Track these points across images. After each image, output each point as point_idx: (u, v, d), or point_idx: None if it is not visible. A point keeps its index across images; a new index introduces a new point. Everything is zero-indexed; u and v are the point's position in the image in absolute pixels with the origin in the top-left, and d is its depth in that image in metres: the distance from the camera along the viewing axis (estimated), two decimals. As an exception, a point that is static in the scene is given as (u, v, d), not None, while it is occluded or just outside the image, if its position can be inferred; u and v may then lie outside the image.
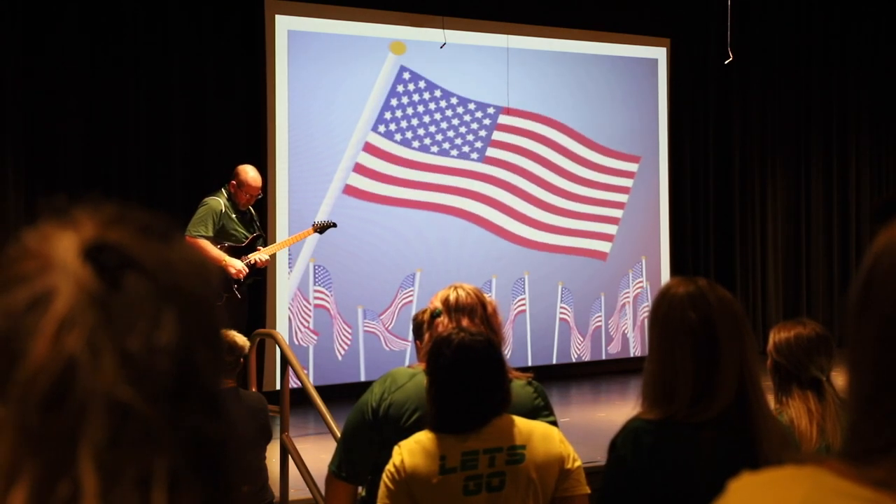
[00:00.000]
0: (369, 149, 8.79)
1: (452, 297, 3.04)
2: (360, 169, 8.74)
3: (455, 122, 9.22)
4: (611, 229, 10.08)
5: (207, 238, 6.87)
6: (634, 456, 2.35)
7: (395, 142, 8.91)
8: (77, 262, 0.72)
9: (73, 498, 0.67)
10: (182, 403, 0.71)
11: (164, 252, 0.75)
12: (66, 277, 0.71)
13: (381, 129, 8.85)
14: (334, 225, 7.59)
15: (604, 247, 10.03)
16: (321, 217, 8.38)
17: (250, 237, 7.10)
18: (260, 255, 7.09)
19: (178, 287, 0.74)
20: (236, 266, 6.89)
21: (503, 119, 9.42)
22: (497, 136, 9.42)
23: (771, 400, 3.07)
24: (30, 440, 0.68)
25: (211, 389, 0.74)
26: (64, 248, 0.72)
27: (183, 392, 0.72)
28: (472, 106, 9.30)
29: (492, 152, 9.40)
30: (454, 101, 9.22)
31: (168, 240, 0.76)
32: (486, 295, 3.14)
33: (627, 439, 2.38)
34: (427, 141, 9.08)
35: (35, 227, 0.75)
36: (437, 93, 9.13)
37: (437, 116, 9.13)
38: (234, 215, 7.03)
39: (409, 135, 8.99)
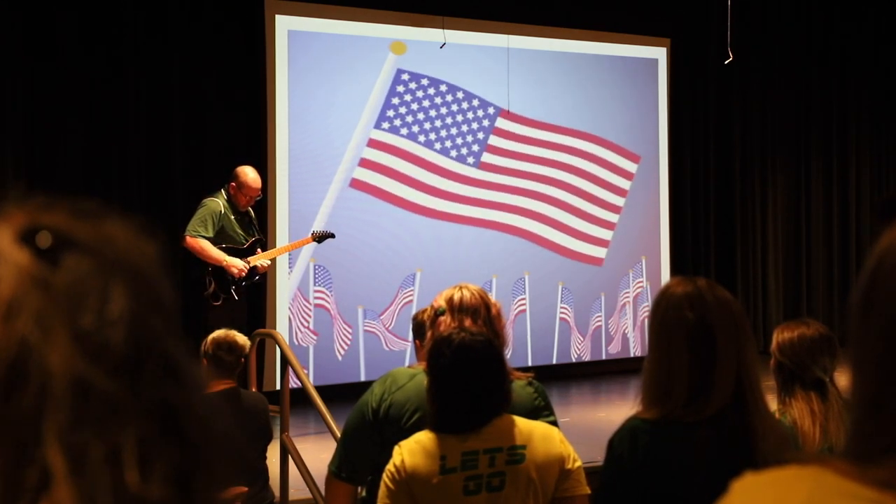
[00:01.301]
0: (372, 145, 8.78)
1: (457, 297, 3.04)
2: (366, 163, 8.73)
3: (459, 118, 9.22)
4: (610, 230, 10.07)
5: (207, 239, 6.87)
6: (631, 455, 2.36)
7: (402, 136, 8.92)
8: (12, 247, 0.71)
9: (43, 483, 0.66)
10: (142, 373, 0.71)
11: (100, 230, 0.74)
12: (4, 264, 0.70)
13: (384, 126, 8.84)
14: (332, 236, 7.59)
15: (600, 252, 10.02)
16: (321, 221, 8.39)
17: (250, 240, 7.09)
18: (263, 261, 7.10)
19: (120, 260, 0.73)
20: (238, 266, 6.89)
21: (501, 122, 9.41)
22: (496, 136, 9.41)
23: (774, 400, 3.07)
24: None
25: (169, 356, 0.73)
26: None
27: (141, 362, 0.71)
28: (475, 102, 9.30)
29: (492, 152, 9.40)
30: (460, 95, 9.22)
31: (101, 219, 0.75)
32: (491, 297, 3.14)
33: (624, 438, 2.39)
34: (432, 136, 9.08)
35: None
36: (443, 87, 9.13)
37: (444, 111, 9.13)
38: (233, 217, 7.02)
39: (415, 129, 8.98)
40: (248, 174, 7.05)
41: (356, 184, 8.71)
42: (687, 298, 2.38)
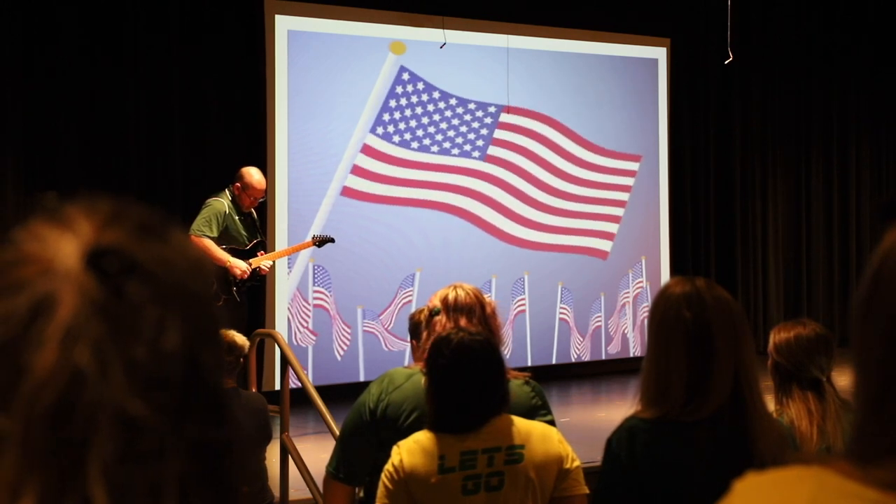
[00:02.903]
0: (368, 150, 8.78)
1: (451, 297, 3.04)
2: (357, 171, 8.73)
3: (455, 122, 9.21)
4: (611, 228, 10.07)
5: (211, 239, 6.87)
6: (629, 455, 2.36)
7: (394, 143, 8.91)
8: (78, 268, 0.69)
9: None
10: (188, 410, 0.70)
11: (163, 251, 0.73)
12: (69, 285, 0.69)
13: (380, 130, 8.84)
14: (332, 240, 7.59)
15: (604, 245, 10.02)
16: (320, 221, 8.39)
17: (252, 241, 7.10)
18: (266, 263, 7.10)
19: (179, 287, 0.72)
20: (241, 267, 6.90)
21: (504, 118, 9.41)
22: (498, 135, 9.41)
23: (771, 400, 3.06)
24: (36, 454, 0.66)
25: (215, 391, 0.73)
26: (64, 253, 0.70)
27: (189, 398, 0.70)
28: (472, 106, 9.30)
29: (492, 152, 9.40)
30: (453, 101, 9.21)
31: (166, 237, 0.74)
32: (485, 296, 3.14)
33: (622, 438, 2.39)
34: (427, 141, 9.08)
35: (28, 228, 0.72)
36: (436, 94, 9.12)
37: (437, 118, 9.12)
38: (237, 217, 7.02)
39: (407, 136, 8.98)
40: (254, 175, 7.05)
41: (356, 183, 8.71)
42: (685, 298, 2.39)
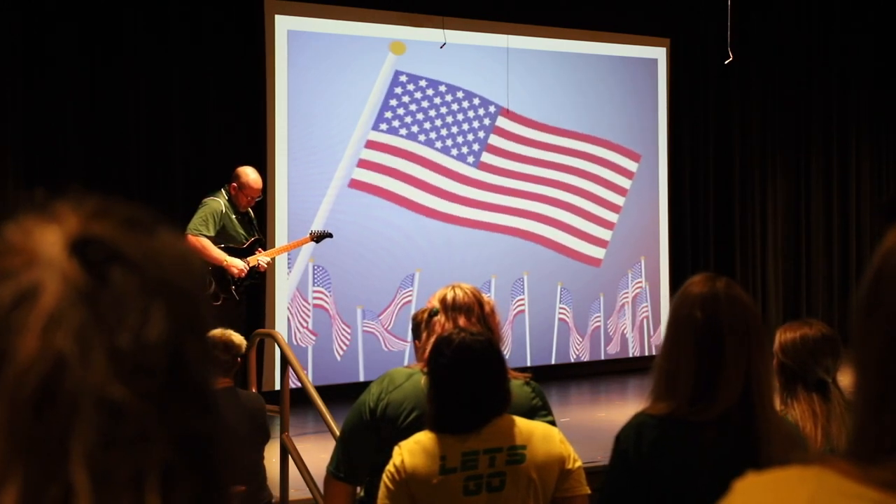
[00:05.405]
0: (372, 145, 8.78)
1: (450, 297, 3.04)
2: (365, 163, 8.72)
3: (460, 116, 9.21)
4: (605, 235, 10.06)
5: (209, 238, 6.87)
6: (636, 450, 2.36)
7: (401, 135, 8.91)
8: (63, 256, 0.70)
9: (65, 500, 0.66)
10: (173, 399, 0.70)
11: (150, 244, 0.73)
12: (53, 273, 0.69)
13: (383, 126, 8.84)
14: (330, 235, 7.61)
15: (598, 252, 10.01)
16: (320, 221, 8.38)
17: (249, 240, 7.10)
18: (263, 259, 7.10)
19: (165, 279, 0.72)
20: (238, 266, 6.90)
21: (501, 122, 9.41)
22: (495, 136, 9.41)
23: (776, 401, 3.05)
24: (19, 440, 0.67)
25: (201, 383, 0.73)
26: (49, 242, 0.70)
27: (173, 388, 0.70)
28: (476, 101, 9.29)
29: (492, 152, 9.39)
30: (460, 94, 9.21)
31: (152, 231, 0.74)
32: (484, 295, 3.14)
33: (630, 433, 2.40)
34: (433, 135, 9.08)
35: (15, 222, 0.73)
36: (442, 88, 9.12)
37: (444, 110, 9.12)
38: (234, 216, 7.03)
39: (415, 128, 8.98)
40: (250, 175, 7.05)
41: (355, 184, 8.71)
42: (701, 299, 2.39)
